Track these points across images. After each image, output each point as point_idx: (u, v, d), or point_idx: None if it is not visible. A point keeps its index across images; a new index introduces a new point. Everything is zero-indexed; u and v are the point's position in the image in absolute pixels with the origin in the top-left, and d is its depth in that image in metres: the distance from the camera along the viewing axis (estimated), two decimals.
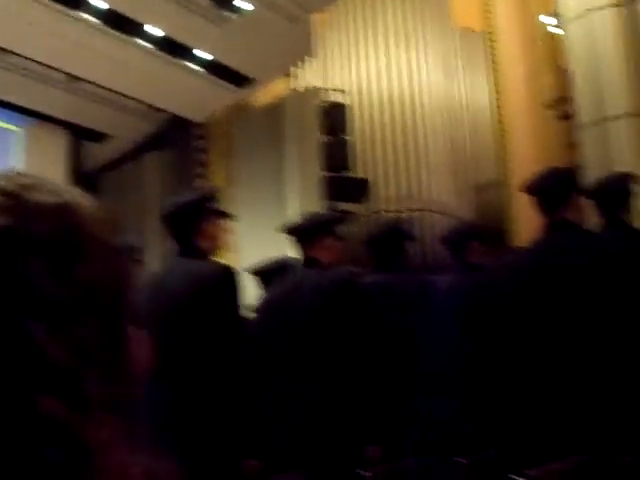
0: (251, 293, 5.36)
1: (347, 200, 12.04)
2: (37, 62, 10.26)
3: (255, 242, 11.37)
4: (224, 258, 10.76)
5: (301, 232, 4.16)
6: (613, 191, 4.44)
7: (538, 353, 3.71)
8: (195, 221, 3.70)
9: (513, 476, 2.65)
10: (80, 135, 12.91)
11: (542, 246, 3.90)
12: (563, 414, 3.58)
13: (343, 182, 11.67)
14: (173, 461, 0.76)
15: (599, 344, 3.53)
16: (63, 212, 0.71)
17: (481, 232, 5.05)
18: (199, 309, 3.46)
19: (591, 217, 4.59)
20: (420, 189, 12.79)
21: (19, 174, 0.76)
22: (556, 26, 12.82)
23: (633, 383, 3.51)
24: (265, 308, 4.21)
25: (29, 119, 12.03)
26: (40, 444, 0.64)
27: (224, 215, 4.00)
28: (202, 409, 3.38)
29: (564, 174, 4.05)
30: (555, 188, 3.83)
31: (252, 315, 5.02)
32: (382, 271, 4.53)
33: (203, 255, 3.67)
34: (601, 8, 10.88)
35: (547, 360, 3.67)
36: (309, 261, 4.10)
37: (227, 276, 3.58)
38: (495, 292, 4.05)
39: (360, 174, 12.67)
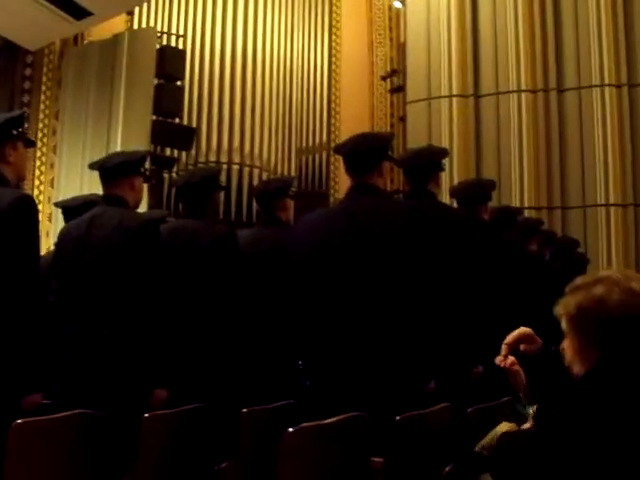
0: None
1: (173, 147, 11.94)
2: None
3: (75, 179, 11.11)
4: (42, 192, 10.54)
5: (112, 170, 4.08)
6: (422, 163, 4.61)
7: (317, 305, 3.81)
8: None
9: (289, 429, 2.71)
10: None
11: (341, 208, 3.99)
12: (346, 372, 3.69)
13: (171, 128, 11.53)
14: None
15: (383, 307, 3.66)
16: None
17: (291, 189, 5.12)
18: None
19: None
20: (245, 144, 12.82)
21: None
22: (399, 0, 13.03)
23: (414, 347, 3.66)
24: (61, 242, 4.11)
25: None
26: None
27: (29, 142, 3.90)
28: None
29: (375, 140, 4.13)
30: (363, 152, 3.91)
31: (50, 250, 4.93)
32: (190, 217, 4.52)
33: (2, 181, 3.56)
34: None
35: (318, 315, 3.78)
36: (112, 199, 4.03)
37: (23, 205, 3.50)
38: (292, 247, 4.11)
39: (190, 122, 12.58)
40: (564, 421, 2.01)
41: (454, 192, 5.41)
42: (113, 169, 4.04)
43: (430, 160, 4.65)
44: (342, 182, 13.33)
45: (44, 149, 11.11)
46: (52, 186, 11.40)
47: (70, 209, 5.08)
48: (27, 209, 3.51)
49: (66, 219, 5.08)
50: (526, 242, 5.85)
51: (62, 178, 11.34)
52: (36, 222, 3.55)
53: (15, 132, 3.66)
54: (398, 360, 3.66)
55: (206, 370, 4.12)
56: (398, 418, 3.14)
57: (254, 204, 12.33)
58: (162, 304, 3.81)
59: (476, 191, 5.32)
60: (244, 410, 3.47)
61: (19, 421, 2.80)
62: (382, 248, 3.72)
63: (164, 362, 3.79)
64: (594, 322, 2.12)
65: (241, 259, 4.37)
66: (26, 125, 3.87)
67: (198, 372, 4.08)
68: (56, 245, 4.19)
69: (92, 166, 4.23)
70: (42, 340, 3.43)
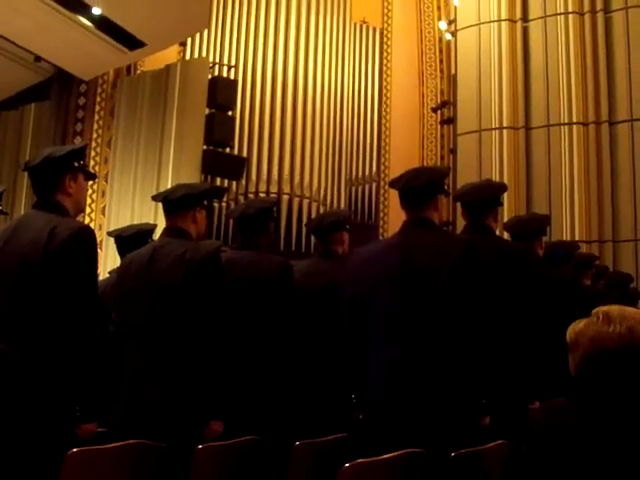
0: (115, 257, 5.30)
1: (224, 176, 12.02)
2: None
3: (126, 207, 11.23)
4: (94, 220, 10.65)
5: (176, 202, 4.11)
6: (481, 197, 4.59)
7: (381, 343, 3.79)
8: (59, 176, 3.63)
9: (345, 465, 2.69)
10: None
11: (396, 242, 3.98)
12: (401, 407, 3.67)
13: (222, 158, 11.62)
14: None
15: (437, 341, 3.63)
16: None
17: (349, 223, 5.13)
18: (50, 267, 3.39)
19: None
20: (295, 174, 12.88)
21: None
22: (449, 32, 13.04)
23: (468, 382, 3.63)
24: (123, 273, 4.15)
25: None
26: None
27: (89, 175, 3.94)
28: (43, 369, 3.33)
29: (431, 174, 4.11)
30: (419, 187, 3.90)
31: (108, 279, 4.97)
32: (245, 249, 4.54)
33: (62, 211, 3.60)
34: (494, 21, 11.15)
35: (388, 351, 3.75)
36: (175, 231, 4.06)
37: (84, 236, 3.53)
38: (347, 281, 4.10)
39: (240, 151, 12.68)
40: None
41: (509, 227, 5.37)
42: (176, 201, 4.07)
43: (489, 195, 4.64)
44: (392, 214, 13.36)
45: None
46: (103, 214, 11.52)
47: (123, 238, 5.11)
48: (86, 240, 3.53)
49: (119, 248, 5.12)
50: (580, 277, 5.80)
51: (113, 206, 11.47)
52: (95, 252, 3.58)
53: (76, 164, 3.70)
54: (452, 395, 3.62)
55: (260, 402, 4.12)
56: (453, 455, 3.11)
57: (303, 234, 12.40)
58: (221, 336, 3.82)
59: (531, 226, 5.28)
60: (297, 443, 3.45)
61: (74, 450, 2.81)
62: (438, 283, 3.70)
63: (221, 394, 3.79)
64: None
65: (296, 291, 4.37)
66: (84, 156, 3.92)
67: (252, 404, 4.08)
68: (118, 276, 4.22)
69: (155, 198, 4.27)
70: (99, 369, 3.45)
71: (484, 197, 4.60)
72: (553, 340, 4.31)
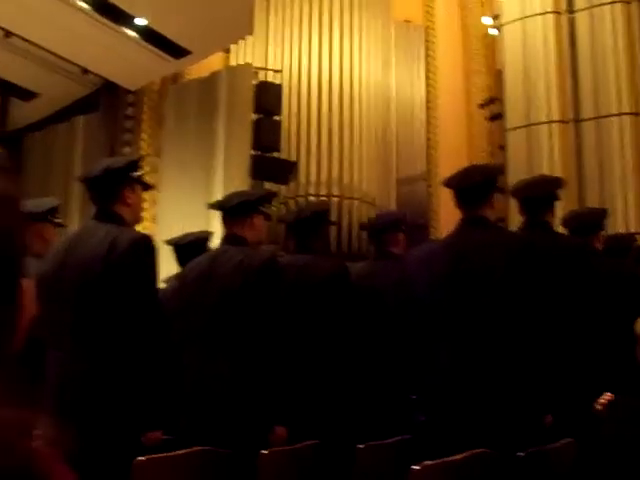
0: (168, 265, 5.34)
1: (273, 180, 12.05)
2: None
3: (176, 215, 11.30)
4: (143, 228, 10.73)
5: (232, 209, 4.14)
6: (538, 193, 4.56)
7: (442, 343, 3.77)
8: (117, 187, 3.67)
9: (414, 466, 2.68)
10: (9, 92, 12.65)
11: (453, 241, 3.96)
12: (464, 407, 3.65)
13: (271, 162, 11.67)
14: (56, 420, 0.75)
15: (498, 339, 3.61)
16: None
17: (405, 223, 5.14)
18: (113, 277, 3.43)
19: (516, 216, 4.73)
20: (344, 176, 12.86)
21: None
22: (494, 27, 12.96)
23: (530, 380, 3.60)
24: (183, 281, 4.18)
25: None
26: None
27: (146, 185, 3.98)
28: (110, 379, 3.36)
29: (486, 172, 4.10)
30: (475, 185, 3.88)
31: (168, 287, 5.00)
32: (301, 252, 4.56)
33: (121, 222, 3.64)
34: (539, 14, 11.05)
35: (449, 351, 3.73)
36: (233, 238, 4.09)
37: (144, 245, 3.56)
38: (404, 282, 4.10)
39: (288, 155, 12.69)
40: None
41: (566, 222, 5.31)
42: (233, 209, 4.10)
43: (546, 190, 4.60)
44: (442, 212, 13.30)
45: None
46: (154, 222, 11.61)
47: (180, 246, 5.15)
48: (147, 249, 3.57)
49: (177, 257, 5.16)
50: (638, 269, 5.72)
51: (164, 214, 11.55)
52: (155, 262, 3.61)
53: (134, 175, 3.74)
54: (515, 394, 3.60)
55: (322, 406, 4.13)
56: (521, 454, 3.09)
57: (354, 236, 12.38)
58: (282, 341, 3.83)
59: (589, 220, 5.23)
60: (360, 446, 3.45)
61: (142, 458, 2.83)
62: (496, 281, 3.68)
63: (283, 399, 3.80)
64: None
65: (354, 293, 4.38)
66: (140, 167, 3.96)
67: (314, 408, 4.08)
68: (179, 284, 4.25)
69: (212, 206, 4.30)
70: (163, 377, 3.48)
71: (541, 192, 4.56)
72: (616, 334, 4.27)
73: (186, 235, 5.44)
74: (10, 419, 0.68)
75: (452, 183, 3.99)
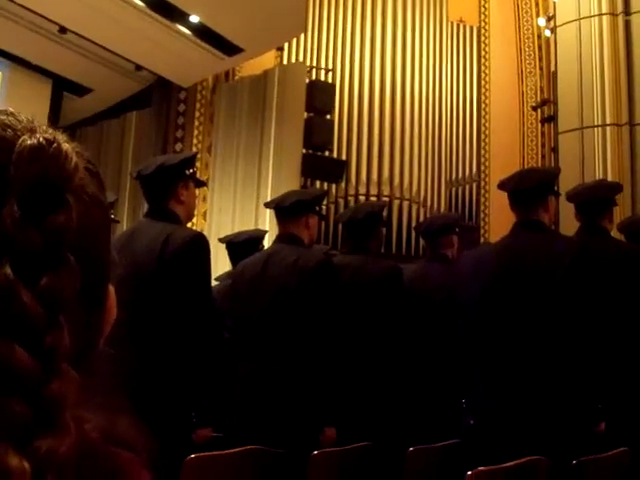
0: (222, 262, 5.36)
1: (324, 179, 12.06)
2: (29, 10, 10.12)
3: (227, 211, 11.36)
4: (195, 224, 10.79)
5: (288, 208, 4.14)
6: (596, 198, 4.50)
7: (491, 347, 3.74)
8: (171, 185, 3.68)
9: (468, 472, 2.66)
10: (63, 87, 12.77)
11: (507, 244, 3.92)
12: (513, 413, 3.61)
13: (322, 161, 11.67)
14: (135, 422, 0.76)
15: (550, 345, 3.57)
16: (44, 154, 0.67)
17: (459, 226, 5.11)
18: (166, 274, 3.44)
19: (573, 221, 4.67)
20: (395, 176, 12.85)
21: (6, 112, 0.74)
22: (548, 29, 12.84)
23: (583, 387, 3.56)
24: (237, 280, 4.19)
25: (13, 65, 11.89)
26: (3, 393, 0.62)
27: (199, 183, 3.99)
28: (163, 375, 3.37)
29: (541, 175, 4.05)
30: (530, 188, 3.84)
31: (220, 285, 5.02)
32: (355, 253, 4.55)
33: (175, 219, 3.65)
34: (594, 15, 10.93)
35: (498, 355, 3.70)
36: (288, 237, 4.09)
37: (198, 243, 3.57)
38: (458, 285, 4.07)
39: (339, 154, 12.70)
40: None
41: (623, 227, 5.23)
42: (289, 208, 4.10)
43: (604, 195, 4.54)
44: (493, 214, 13.22)
45: None
46: (205, 218, 11.66)
47: (235, 244, 5.17)
48: (201, 247, 3.58)
49: (230, 254, 5.18)
50: None
51: (214, 210, 11.61)
52: (209, 260, 3.62)
53: (188, 172, 3.75)
54: (567, 400, 3.56)
55: (373, 408, 4.12)
56: (575, 462, 3.05)
57: (404, 237, 12.36)
58: (335, 342, 3.82)
59: None
60: (410, 449, 3.43)
61: (193, 455, 2.84)
62: (551, 286, 3.64)
63: (335, 400, 3.79)
64: None
65: (407, 295, 4.36)
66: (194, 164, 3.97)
67: (365, 410, 4.07)
68: (232, 282, 4.27)
69: (268, 205, 4.31)
70: (215, 375, 3.49)
71: (598, 197, 4.50)
72: None
73: (240, 233, 5.46)
74: (95, 424, 0.68)
75: (508, 185, 3.95)
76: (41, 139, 0.68)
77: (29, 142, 0.68)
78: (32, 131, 0.70)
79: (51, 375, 0.63)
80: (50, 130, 0.73)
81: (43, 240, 0.65)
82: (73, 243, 0.66)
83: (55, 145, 0.68)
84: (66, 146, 0.69)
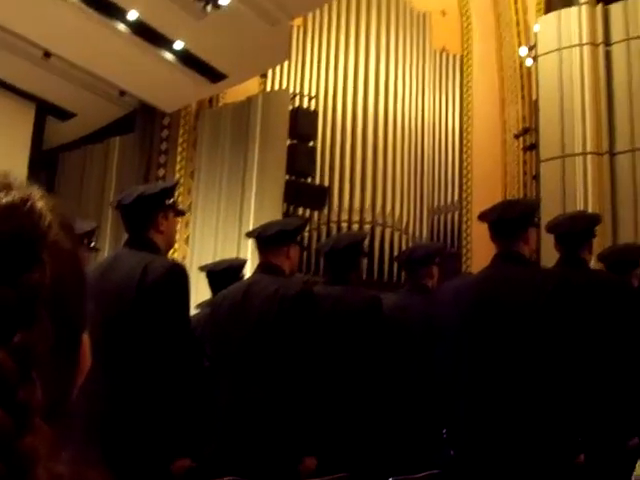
0: (203, 290, 5.35)
1: (306, 206, 12.08)
2: (14, 34, 10.12)
3: (209, 237, 11.37)
4: (177, 249, 10.77)
5: (269, 238, 4.13)
6: (575, 229, 4.52)
7: (470, 378, 3.74)
8: (151, 214, 3.67)
9: None
10: (47, 111, 12.76)
11: (486, 276, 3.93)
12: (493, 443, 3.61)
13: (304, 188, 11.69)
14: (104, 467, 0.76)
15: (530, 377, 3.57)
16: (19, 212, 0.68)
17: (440, 256, 5.12)
18: (144, 304, 3.42)
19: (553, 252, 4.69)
20: (377, 203, 12.90)
21: None
22: (530, 58, 12.95)
23: (562, 418, 3.56)
24: (217, 309, 4.18)
25: None
26: None
27: (179, 212, 3.99)
28: (141, 404, 3.35)
29: (522, 207, 4.07)
30: (511, 220, 3.85)
31: (200, 313, 5.01)
32: (335, 283, 4.55)
33: (154, 249, 3.64)
34: (575, 45, 11.03)
35: (477, 386, 3.70)
36: (269, 267, 4.09)
37: (177, 273, 3.56)
38: (438, 316, 4.08)
39: (322, 181, 12.74)
40: None
41: (603, 257, 5.26)
42: (270, 238, 4.10)
43: (583, 227, 4.56)
44: (474, 241, 13.27)
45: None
46: (187, 244, 11.66)
47: (215, 273, 5.16)
48: (180, 277, 3.57)
49: (210, 283, 5.17)
50: None
51: (197, 236, 11.62)
52: (188, 290, 3.61)
53: (168, 202, 3.75)
54: (546, 432, 3.56)
55: (352, 438, 4.11)
56: None
57: (386, 263, 12.38)
58: (315, 372, 3.82)
59: (626, 256, 5.17)
60: (390, 479, 3.42)
61: None
62: (530, 318, 3.65)
63: (313, 430, 3.78)
64: None
65: (387, 325, 4.36)
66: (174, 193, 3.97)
67: (344, 440, 4.06)
68: (212, 312, 4.26)
69: (250, 234, 4.31)
70: (194, 404, 3.47)
71: (578, 229, 4.52)
72: None
73: (220, 262, 5.45)
74: (66, 477, 0.68)
75: (488, 217, 3.96)
76: (16, 197, 0.69)
77: (4, 200, 0.68)
78: (7, 188, 0.71)
79: (23, 430, 0.64)
80: (25, 186, 0.73)
81: (17, 297, 0.65)
82: (47, 298, 0.67)
83: (30, 203, 0.69)
84: (40, 204, 0.70)
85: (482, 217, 4.03)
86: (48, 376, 0.66)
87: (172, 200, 3.82)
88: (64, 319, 0.71)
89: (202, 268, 5.42)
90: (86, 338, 0.78)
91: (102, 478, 0.74)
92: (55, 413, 0.68)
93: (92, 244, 4.59)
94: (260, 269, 4.14)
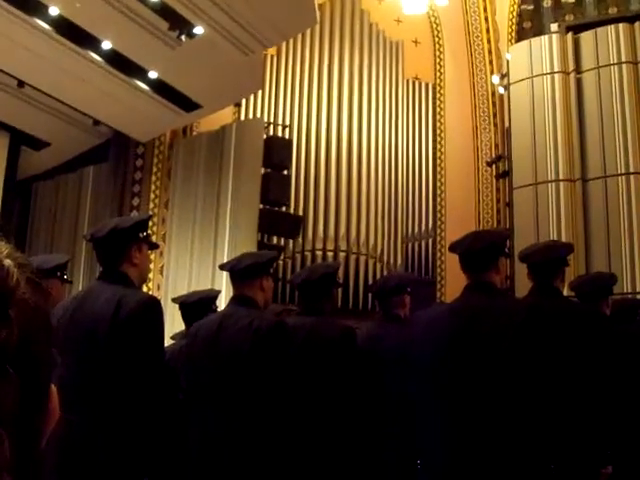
0: (179, 321, 5.34)
1: (280, 235, 12.10)
2: None
3: (184, 266, 11.34)
4: (152, 279, 10.73)
5: (242, 271, 4.14)
6: (548, 259, 4.55)
7: (443, 409, 3.75)
8: (124, 247, 3.67)
9: None
10: (21, 140, 12.73)
11: (458, 307, 3.95)
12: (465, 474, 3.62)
13: (278, 217, 11.71)
14: None
15: (503, 406, 3.59)
16: None
17: (412, 286, 5.13)
18: (118, 339, 3.42)
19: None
20: (351, 231, 12.93)
21: None
22: (502, 86, 13.08)
23: (533, 448, 3.57)
24: (191, 341, 4.18)
25: None
26: None
27: (153, 245, 4.00)
28: (116, 438, 3.34)
29: (491, 238, 4.08)
30: (480, 251, 3.87)
31: (175, 345, 5.00)
32: (308, 314, 4.56)
33: (128, 282, 3.65)
34: (547, 74, 11.16)
35: (448, 417, 3.71)
36: (243, 300, 4.10)
37: (151, 307, 3.56)
38: (411, 346, 4.09)
39: (296, 210, 12.76)
40: None
41: (575, 287, 5.30)
42: (243, 271, 4.11)
43: (555, 255, 4.59)
44: (448, 269, 13.32)
45: (154, 238, 11.33)
46: (161, 274, 11.63)
47: (187, 305, 5.16)
48: (153, 311, 3.57)
49: (183, 315, 5.16)
50: None
51: (172, 266, 11.58)
52: (162, 323, 3.61)
53: (141, 235, 3.75)
54: (521, 461, 3.57)
55: (326, 467, 4.11)
56: None
57: (361, 292, 12.40)
58: (289, 404, 3.82)
59: (598, 285, 5.21)
60: None
61: None
62: (502, 348, 3.66)
63: (287, 461, 3.78)
64: None
65: (361, 356, 4.38)
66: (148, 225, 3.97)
67: (320, 472, 4.07)
68: (186, 344, 4.26)
69: (223, 267, 4.32)
70: (168, 438, 3.47)
71: (550, 258, 4.55)
72: (626, 402, 4.25)
73: (193, 293, 5.44)
74: None
75: (458, 248, 3.97)
76: None
77: None
78: None
79: None
80: None
81: None
82: (14, 354, 0.67)
83: None
84: (8, 262, 0.71)
85: (452, 249, 4.05)
86: (16, 430, 0.67)
87: (145, 233, 3.82)
88: (31, 374, 0.71)
89: (175, 300, 5.42)
90: (54, 390, 0.79)
91: None
92: (24, 464, 0.69)
93: (65, 277, 4.57)
94: (234, 301, 4.15)
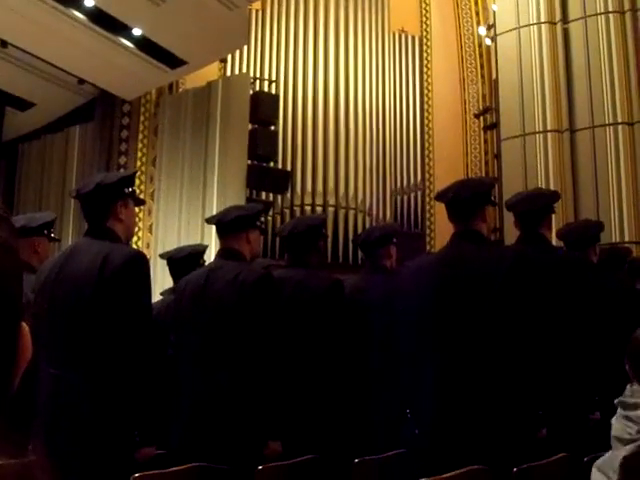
0: (168, 277, 5.35)
1: (268, 190, 12.08)
2: None
3: (172, 223, 11.33)
4: (141, 237, 10.72)
5: (228, 224, 4.13)
6: (534, 207, 4.56)
7: (433, 357, 3.77)
8: (110, 203, 3.66)
9: None
10: (5, 101, 12.65)
11: (445, 255, 3.96)
12: (456, 422, 3.64)
13: (266, 172, 11.69)
14: (47, 456, 0.76)
15: (490, 353, 3.60)
16: None
17: (399, 238, 5.13)
18: (105, 294, 3.42)
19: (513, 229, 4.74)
20: (340, 186, 12.91)
21: None
22: (489, 37, 13.01)
23: (524, 394, 3.60)
24: (179, 296, 4.18)
25: None
26: None
27: (139, 201, 3.99)
28: (105, 394, 3.35)
29: (477, 186, 4.08)
30: (466, 199, 3.86)
31: (163, 300, 5.01)
32: (295, 266, 4.56)
33: (114, 238, 3.64)
34: (533, 24, 11.09)
35: (439, 365, 3.73)
36: (229, 253, 4.09)
37: (137, 262, 3.56)
38: (399, 296, 4.10)
39: (284, 165, 12.73)
40: None
41: (562, 235, 5.31)
42: (230, 223, 4.10)
43: (542, 203, 4.60)
44: (438, 222, 13.32)
45: (142, 196, 11.31)
46: (150, 232, 11.62)
47: (175, 260, 5.15)
48: (140, 266, 3.57)
49: (171, 270, 5.16)
50: (634, 282, 5.71)
51: (160, 224, 11.57)
52: (149, 278, 3.61)
53: (127, 191, 3.74)
54: (508, 407, 3.59)
55: (317, 420, 4.13)
56: (515, 470, 3.09)
57: (350, 246, 12.40)
58: (277, 356, 3.83)
59: (585, 233, 5.22)
60: (356, 460, 3.45)
61: (137, 475, 2.83)
62: (489, 295, 3.68)
63: (278, 414, 3.80)
64: None
65: (348, 308, 4.38)
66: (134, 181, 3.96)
67: (309, 423, 4.09)
68: (174, 299, 4.25)
69: (209, 220, 4.30)
70: (158, 392, 3.48)
71: (537, 206, 4.56)
72: (612, 348, 4.28)
73: (181, 249, 5.44)
74: (8, 468, 0.69)
75: (444, 197, 3.97)
76: None
77: None
78: None
79: None
80: None
81: None
82: None
83: None
84: None
85: (438, 197, 4.06)
86: None
87: (131, 189, 3.81)
88: (0, 309, 0.71)
89: (162, 255, 5.42)
90: (26, 327, 0.78)
91: (44, 468, 0.75)
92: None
93: (52, 235, 4.56)
94: (221, 255, 4.14)
